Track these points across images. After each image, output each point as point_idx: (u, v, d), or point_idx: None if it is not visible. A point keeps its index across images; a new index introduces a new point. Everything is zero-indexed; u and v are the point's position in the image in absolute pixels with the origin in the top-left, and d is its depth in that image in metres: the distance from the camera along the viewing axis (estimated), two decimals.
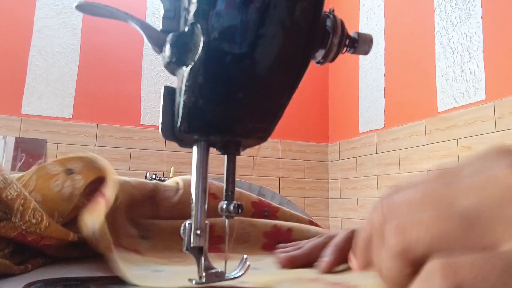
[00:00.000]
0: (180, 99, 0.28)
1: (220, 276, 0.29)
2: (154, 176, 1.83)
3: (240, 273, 0.30)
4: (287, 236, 0.57)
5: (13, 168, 2.20)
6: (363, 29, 2.69)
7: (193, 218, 0.29)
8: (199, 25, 0.27)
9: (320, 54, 0.31)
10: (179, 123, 0.28)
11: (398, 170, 2.30)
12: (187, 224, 0.29)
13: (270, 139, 0.31)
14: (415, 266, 0.17)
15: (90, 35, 2.52)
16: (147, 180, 0.55)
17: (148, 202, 0.53)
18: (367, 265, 0.21)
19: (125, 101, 2.54)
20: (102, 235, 0.36)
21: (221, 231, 0.52)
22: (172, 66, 0.29)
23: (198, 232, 0.29)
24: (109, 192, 0.41)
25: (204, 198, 0.29)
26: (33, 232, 0.39)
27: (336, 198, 2.87)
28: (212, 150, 0.31)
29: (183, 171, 2.45)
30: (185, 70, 0.27)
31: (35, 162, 2.20)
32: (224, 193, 0.31)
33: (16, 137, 2.29)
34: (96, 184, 0.48)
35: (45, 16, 2.46)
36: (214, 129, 0.29)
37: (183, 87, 0.28)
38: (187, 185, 0.54)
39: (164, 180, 0.62)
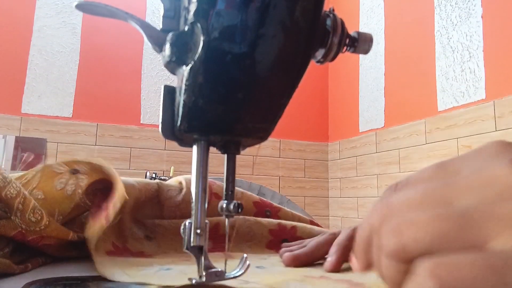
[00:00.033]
0: (180, 99, 0.28)
1: (220, 275, 0.29)
2: (154, 175, 1.83)
3: (240, 272, 0.30)
4: (292, 234, 0.57)
5: (13, 168, 2.20)
6: (363, 29, 2.69)
7: (193, 217, 0.29)
8: (199, 25, 0.27)
9: (320, 53, 0.31)
10: (179, 123, 0.28)
11: (398, 169, 2.30)
12: (187, 224, 0.29)
13: (270, 138, 0.31)
14: (409, 265, 0.17)
15: (90, 34, 2.52)
16: (149, 180, 0.55)
17: (152, 202, 0.53)
18: (368, 266, 0.21)
19: (125, 100, 2.54)
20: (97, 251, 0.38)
21: (225, 230, 0.52)
22: (172, 65, 0.29)
23: (198, 231, 0.29)
24: (113, 211, 0.42)
25: (204, 197, 0.29)
26: (33, 231, 0.39)
27: (336, 197, 2.87)
28: (212, 149, 0.31)
29: (183, 170, 2.45)
30: (185, 70, 0.27)
31: (36, 161, 2.20)
32: (224, 193, 0.31)
33: (16, 137, 2.29)
34: (98, 185, 0.48)
35: (45, 16, 2.46)
36: (214, 129, 0.29)
37: (183, 87, 0.28)
38: (190, 184, 0.55)
39: (164, 180, 0.62)
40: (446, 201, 0.19)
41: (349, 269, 0.41)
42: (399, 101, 2.37)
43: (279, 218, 0.61)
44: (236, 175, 0.31)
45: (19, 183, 0.40)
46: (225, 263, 0.30)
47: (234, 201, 0.30)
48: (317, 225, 0.64)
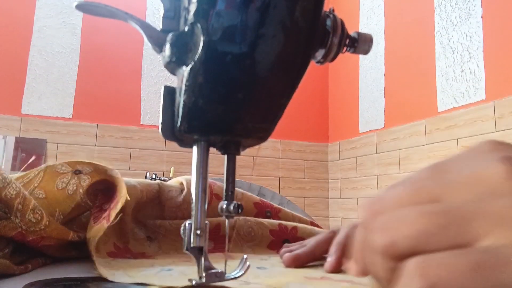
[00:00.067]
0: (180, 99, 0.28)
1: (220, 276, 0.29)
2: (154, 176, 1.83)
3: (240, 273, 0.30)
4: (293, 234, 0.57)
5: (13, 168, 2.20)
6: (363, 29, 2.69)
7: (193, 218, 0.29)
8: (199, 25, 0.27)
9: (320, 53, 0.30)
10: (179, 123, 0.28)
11: (398, 170, 2.30)
12: (187, 224, 0.29)
13: (270, 139, 0.31)
14: (400, 261, 0.17)
15: (90, 35, 2.52)
16: (150, 181, 0.55)
17: (153, 203, 0.53)
18: (366, 270, 0.21)
19: (125, 101, 2.54)
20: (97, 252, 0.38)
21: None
22: (172, 66, 0.29)
23: (198, 232, 0.29)
24: (114, 211, 0.42)
25: (204, 198, 0.29)
26: (33, 231, 0.39)
27: (336, 198, 2.87)
28: (212, 150, 0.31)
29: (183, 171, 2.45)
30: (185, 70, 0.27)
31: (36, 162, 2.20)
32: (224, 193, 0.31)
33: (16, 137, 2.29)
34: (99, 185, 0.48)
35: (45, 16, 2.46)
36: (214, 129, 0.29)
37: (183, 87, 0.27)
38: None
39: (165, 180, 0.62)
40: (436, 198, 0.18)
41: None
42: (399, 102, 2.37)
43: (279, 219, 0.61)
44: (236, 175, 0.31)
45: (19, 184, 0.40)
46: (225, 264, 0.30)
47: (234, 202, 0.30)
48: (318, 226, 0.64)
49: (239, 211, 0.30)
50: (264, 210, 0.61)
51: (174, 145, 0.31)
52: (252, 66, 0.28)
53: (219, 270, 0.29)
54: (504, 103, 1.74)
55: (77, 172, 0.47)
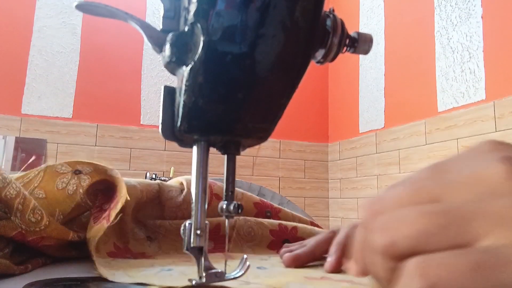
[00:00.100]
0: (180, 99, 0.28)
1: (220, 276, 0.29)
2: (154, 176, 1.82)
3: (240, 273, 0.30)
4: (293, 234, 0.57)
5: (13, 168, 2.20)
6: (363, 29, 2.69)
7: (193, 218, 0.29)
8: (199, 25, 0.27)
9: (320, 53, 0.30)
10: (179, 123, 0.28)
11: (398, 170, 2.30)
12: (187, 224, 0.29)
13: (270, 139, 0.31)
14: (400, 261, 0.17)
15: (90, 35, 2.52)
16: (150, 181, 0.55)
17: (153, 203, 0.53)
18: (366, 270, 0.21)
19: (125, 101, 2.54)
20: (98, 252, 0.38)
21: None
22: (172, 66, 0.29)
23: (198, 232, 0.29)
24: (114, 211, 0.42)
25: (204, 198, 0.29)
26: (33, 231, 0.39)
27: (336, 198, 2.87)
28: (212, 150, 0.31)
29: (183, 171, 2.45)
30: (185, 70, 0.27)
31: (36, 162, 2.20)
32: (224, 193, 0.31)
33: (16, 137, 2.29)
34: (99, 185, 0.48)
35: (45, 16, 2.46)
36: (214, 129, 0.29)
37: (183, 87, 0.27)
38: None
39: (165, 180, 0.62)
40: (436, 198, 0.18)
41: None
42: (399, 102, 2.37)
43: (279, 219, 0.61)
44: (236, 175, 0.31)
45: (19, 184, 0.40)
46: (225, 264, 0.30)
47: (234, 202, 0.30)
48: (318, 226, 0.64)
49: (239, 211, 0.30)
50: (264, 210, 0.61)
51: (174, 145, 0.31)
52: (252, 66, 0.28)
53: (219, 270, 0.29)
54: (504, 103, 1.74)
55: (77, 172, 0.47)
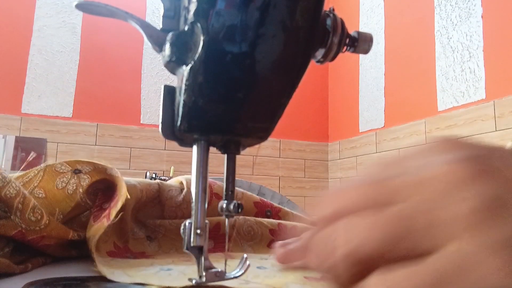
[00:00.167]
0: (180, 98, 0.28)
1: (220, 275, 0.29)
2: (154, 176, 1.83)
3: (240, 273, 0.30)
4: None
5: (13, 167, 2.20)
6: (363, 28, 2.69)
7: (193, 217, 0.29)
8: (199, 24, 0.27)
9: (320, 53, 0.30)
10: (179, 122, 0.28)
11: None
12: (187, 224, 0.29)
13: (270, 138, 0.31)
14: (360, 267, 0.18)
15: (90, 34, 2.52)
16: (150, 180, 0.55)
17: (153, 203, 0.53)
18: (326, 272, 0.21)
19: (125, 100, 2.54)
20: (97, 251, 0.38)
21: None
22: (172, 65, 0.29)
23: (198, 231, 0.29)
24: (114, 210, 0.42)
25: (204, 197, 0.29)
26: (33, 230, 0.39)
27: None
28: (212, 149, 0.31)
29: (183, 170, 2.45)
30: (185, 69, 0.27)
31: (36, 161, 2.20)
32: (224, 192, 0.31)
33: (16, 137, 2.29)
34: (99, 185, 0.48)
35: (45, 15, 2.46)
36: (214, 129, 0.29)
37: (183, 86, 0.27)
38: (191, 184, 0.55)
39: (165, 180, 0.62)
40: (390, 202, 0.18)
41: None
42: (399, 101, 2.37)
43: (279, 218, 0.61)
44: (236, 175, 0.31)
45: (18, 183, 0.40)
46: (225, 263, 0.30)
47: (234, 201, 0.30)
48: None
49: (239, 210, 0.30)
50: (264, 210, 0.61)
51: (174, 144, 0.31)
52: (252, 66, 0.28)
53: (219, 270, 0.29)
54: (504, 102, 1.74)
55: (76, 172, 0.47)
